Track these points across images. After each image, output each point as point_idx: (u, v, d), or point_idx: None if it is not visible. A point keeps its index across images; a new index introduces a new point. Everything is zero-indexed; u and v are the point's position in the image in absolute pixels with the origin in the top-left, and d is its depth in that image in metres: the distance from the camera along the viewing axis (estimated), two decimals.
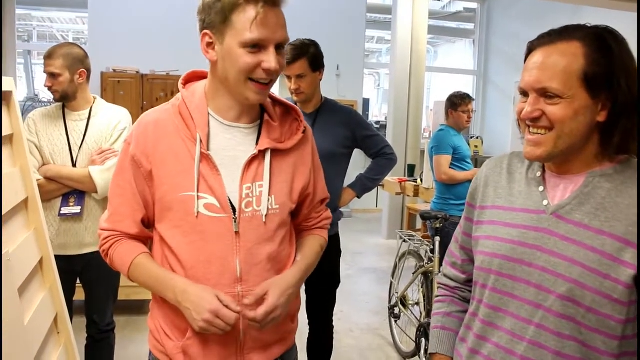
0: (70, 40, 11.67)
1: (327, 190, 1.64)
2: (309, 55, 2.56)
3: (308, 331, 2.90)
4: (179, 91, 1.43)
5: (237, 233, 1.35)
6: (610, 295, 1.09)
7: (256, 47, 1.27)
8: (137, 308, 4.34)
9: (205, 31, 1.31)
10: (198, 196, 1.34)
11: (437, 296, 1.50)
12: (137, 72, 7.17)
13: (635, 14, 4.95)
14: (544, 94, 1.13)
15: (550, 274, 1.15)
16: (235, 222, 1.35)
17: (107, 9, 7.44)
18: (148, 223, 1.46)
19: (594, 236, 1.11)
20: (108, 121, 2.60)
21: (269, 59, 1.28)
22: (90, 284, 2.68)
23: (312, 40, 2.62)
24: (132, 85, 7.10)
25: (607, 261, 1.09)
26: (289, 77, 2.59)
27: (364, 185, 2.87)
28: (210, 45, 1.32)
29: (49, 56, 2.50)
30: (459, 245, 1.43)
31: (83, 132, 2.55)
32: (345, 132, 2.68)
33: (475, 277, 1.32)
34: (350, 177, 2.83)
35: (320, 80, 2.68)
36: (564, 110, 1.11)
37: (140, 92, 7.09)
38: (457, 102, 4.08)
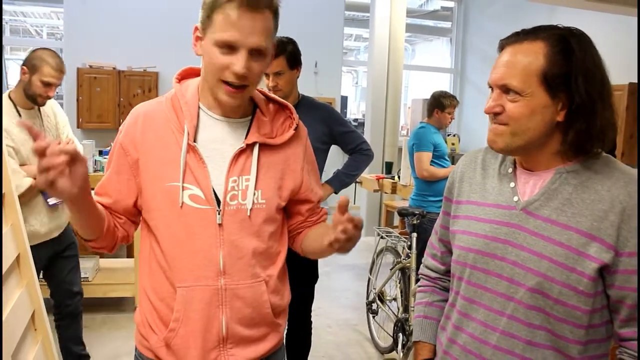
0: (45, 36, 11.53)
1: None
2: (287, 53, 2.58)
3: (287, 327, 2.92)
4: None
5: (220, 225, 1.36)
6: (576, 287, 1.13)
7: (228, 48, 1.28)
8: (115, 305, 4.33)
9: (197, 25, 1.34)
10: (183, 187, 1.35)
11: (419, 286, 1.54)
12: (114, 68, 7.08)
13: (626, 17, 5.03)
14: (506, 90, 1.18)
15: (520, 268, 1.19)
16: (218, 214, 1.36)
17: (82, 4, 7.33)
18: (126, 212, 1.45)
19: (561, 231, 1.16)
20: (54, 115, 2.87)
21: (237, 62, 1.27)
22: (64, 255, 2.96)
23: (289, 38, 2.64)
24: (108, 82, 6.99)
25: (573, 255, 1.14)
26: (267, 75, 2.60)
27: (341, 180, 2.89)
28: (198, 39, 1.34)
29: (62, 71, 2.68)
30: (438, 238, 1.48)
31: (41, 128, 2.74)
32: (323, 129, 2.71)
33: (453, 269, 1.36)
34: (328, 173, 2.85)
35: (298, 77, 2.70)
36: (521, 108, 1.16)
37: (117, 88, 6.98)
38: (446, 104, 4.14)
